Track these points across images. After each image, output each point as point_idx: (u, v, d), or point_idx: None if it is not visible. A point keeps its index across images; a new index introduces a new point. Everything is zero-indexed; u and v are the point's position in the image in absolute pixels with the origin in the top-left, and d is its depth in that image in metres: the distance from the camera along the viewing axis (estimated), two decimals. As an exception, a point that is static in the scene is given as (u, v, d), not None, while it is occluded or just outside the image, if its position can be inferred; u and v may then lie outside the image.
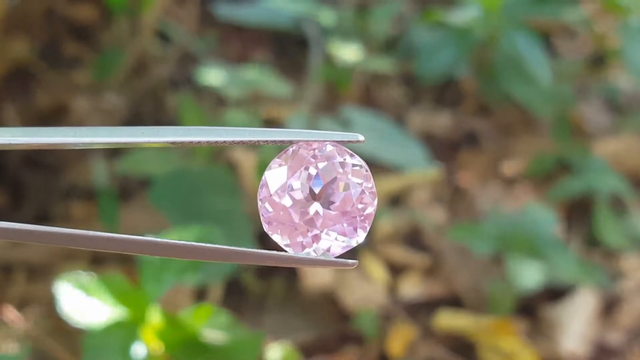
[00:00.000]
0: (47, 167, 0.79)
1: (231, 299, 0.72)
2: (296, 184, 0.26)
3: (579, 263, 0.76)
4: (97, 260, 0.73)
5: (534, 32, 0.87)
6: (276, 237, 0.27)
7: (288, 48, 0.98)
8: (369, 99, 0.93)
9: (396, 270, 0.79)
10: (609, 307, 0.79)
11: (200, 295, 0.69)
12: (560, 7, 0.90)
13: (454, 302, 0.77)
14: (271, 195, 0.27)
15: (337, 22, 0.92)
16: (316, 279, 0.74)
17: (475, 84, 0.95)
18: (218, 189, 0.69)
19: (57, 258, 0.72)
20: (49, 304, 0.66)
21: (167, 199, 0.67)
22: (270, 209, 0.27)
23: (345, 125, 0.78)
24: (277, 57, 0.97)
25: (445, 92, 0.96)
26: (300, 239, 0.27)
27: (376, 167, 0.80)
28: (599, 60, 1.01)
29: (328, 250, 0.27)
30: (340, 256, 0.27)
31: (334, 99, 0.90)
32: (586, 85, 0.99)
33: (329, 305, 0.75)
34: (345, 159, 0.27)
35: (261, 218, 0.27)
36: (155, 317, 0.47)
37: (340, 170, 0.27)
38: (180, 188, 0.68)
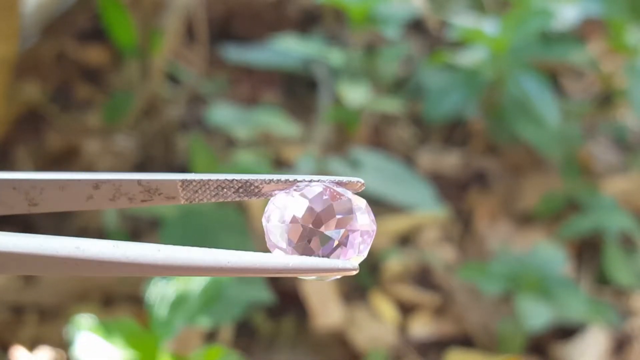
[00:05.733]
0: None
1: (241, 340, 0.72)
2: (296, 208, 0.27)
3: (589, 302, 0.76)
4: (108, 302, 0.73)
5: (541, 73, 0.88)
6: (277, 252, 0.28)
7: (297, 89, 0.99)
8: (377, 140, 0.93)
9: (406, 309, 0.79)
10: (620, 346, 0.78)
11: (210, 336, 0.69)
12: (567, 49, 0.91)
13: (465, 341, 0.77)
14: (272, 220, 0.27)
15: (346, 63, 0.92)
16: (326, 318, 0.74)
17: (484, 125, 0.95)
18: (228, 229, 0.70)
19: (68, 299, 0.72)
20: (61, 346, 0.67)
21: (178, 240, 0.67)
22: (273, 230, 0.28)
23: (354, 166, 0.79)
24: (286, 98, 0.98)
25: (454, 132, 0.96)
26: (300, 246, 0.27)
27: (385, 207, 0.81)
28: (606, 100, 1.01)
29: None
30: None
31: (343, 139, 0.91)
32: (594, 125, 0.99)
33: (339, 345, 0.75)
34: (334, 188, 0.28)
35: (266, 237, 0.28)
36: None
37: (336, 193, 0.27)
38: (190, 228, 0.68)
